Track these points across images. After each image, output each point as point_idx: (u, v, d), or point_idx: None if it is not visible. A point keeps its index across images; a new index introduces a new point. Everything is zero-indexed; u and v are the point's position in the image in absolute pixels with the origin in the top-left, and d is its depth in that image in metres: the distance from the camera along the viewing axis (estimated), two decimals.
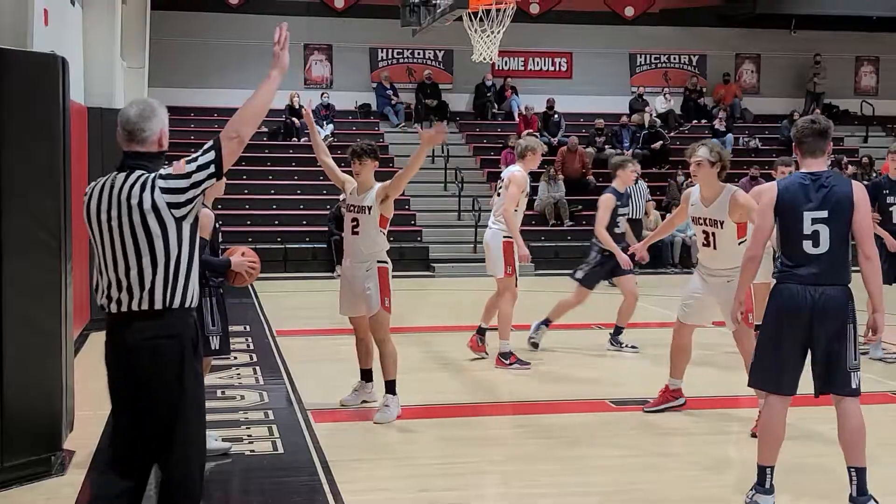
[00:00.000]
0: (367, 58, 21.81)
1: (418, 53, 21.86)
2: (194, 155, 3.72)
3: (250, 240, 16.82)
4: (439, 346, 9.97)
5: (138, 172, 3.72)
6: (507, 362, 8.77)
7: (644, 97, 22.02)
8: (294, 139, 20.17)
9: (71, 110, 6.11)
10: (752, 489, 5.16)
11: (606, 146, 20.50)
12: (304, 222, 17.78)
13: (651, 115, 21.45)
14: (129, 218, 3.67)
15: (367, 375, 7.40)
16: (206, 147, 3.73)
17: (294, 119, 20.12)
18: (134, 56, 14.35)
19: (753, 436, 6.22)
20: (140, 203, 3.65)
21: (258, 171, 18.83)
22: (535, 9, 22.03)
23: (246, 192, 18.53)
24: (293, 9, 21.05)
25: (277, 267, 16.51)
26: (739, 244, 6.61)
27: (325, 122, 20.18)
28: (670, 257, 17.85)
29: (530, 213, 17.73)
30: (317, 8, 21.55)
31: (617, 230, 9.68)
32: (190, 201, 3.69)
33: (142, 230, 3.66)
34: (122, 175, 3.74)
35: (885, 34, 22.95)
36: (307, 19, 21.23)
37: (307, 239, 17.22)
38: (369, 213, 6.99)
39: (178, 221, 3.69)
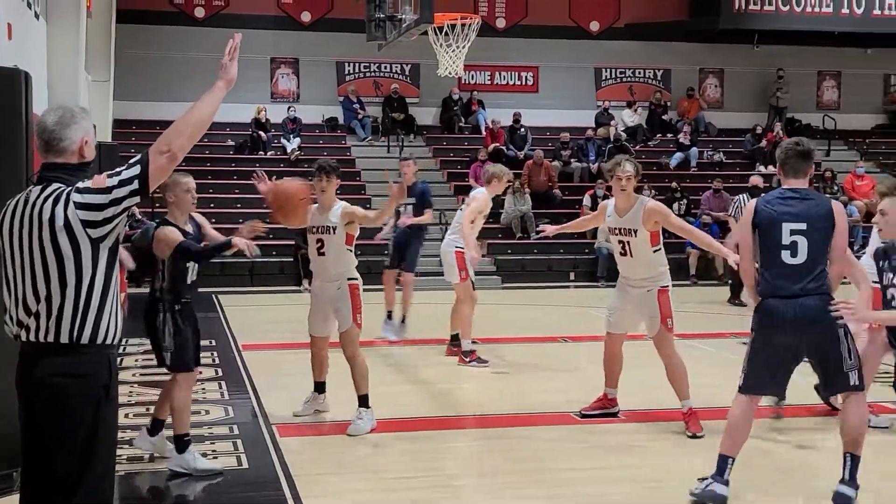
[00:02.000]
0: (333, 71, 21.83)
1: (385, 67, 21.91)
2: (118, 168, 3.34)
3: None
4: (407, 359, 9.97)
5: (55, 185, 3.33)
6: (468, 360, 9.39)
7: (609, 111, 22.19)
8: (261, 152, 20.12)
9: (35, 124, 6.08)
10: (708, 477, 5.27)
11: (572, 160, 20.63)
12: (271, 236, 17.66)
13: (616, 128, 21.62)
14: (39, 235, 3.28)
15: (320, 388, 7.46)
16: (131, 161, 3.35)
17: (261, 133, 20.09)
18: (99, 69, 14.29)
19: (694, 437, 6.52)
20: (52, 219, 3.25)
21: (224, 184, 18.76)
22: (501, 23, 22.18)
23: (212, 205, 18.40)
24: (259, 22, 21.04)
25: (244, 281, 16.46)
26: (654, 252, 6.98)
27: (291, 136, 20.17)
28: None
29: (497, 226, 17.86)
30: (283, 22, 21.55)
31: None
32: (108, 220, 3.28)
33: (51, 249, 3.26)
34: (38, 189, 3.36)
35: (846, 49, 23.28)
36: (274, 33, 21.24)
37: (273, 253, 17.14)
38: (334, 232, 7.02)
39: (95, 243, 3.29)
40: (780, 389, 5.71)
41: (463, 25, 10.41)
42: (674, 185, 19.54)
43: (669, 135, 22.25)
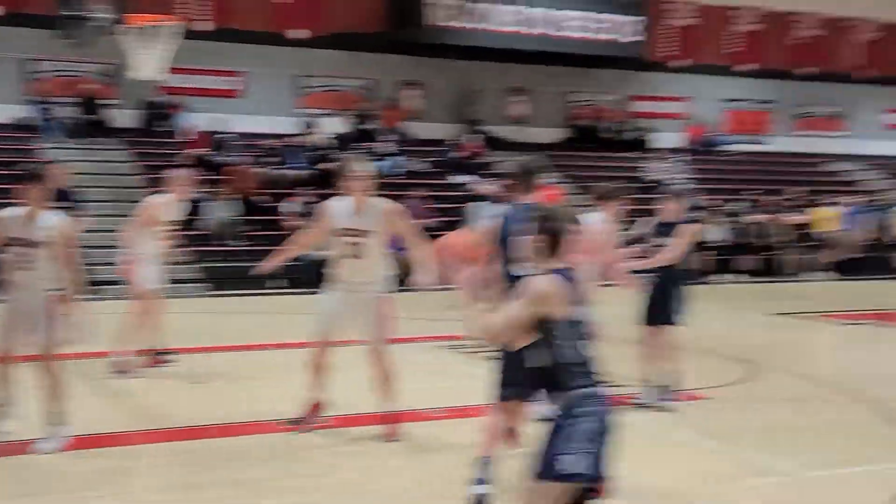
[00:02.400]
0: (21, 69, 20.47)
1: (81, 67, 20.82)
2: None
3: None
4: (97, 371, 9.59)
5: None
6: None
7: (314, 119, 22.37)
8: None
9: None
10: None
11: (277, 166, 20.62)
12: None
13: (320, 136, 21.84)
14: None
15: None
16: None
17: None
18: None
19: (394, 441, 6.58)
20: None
21: None
22: (205, 26, 21.76)
23: None
24: None
25: None
26: (382, 256, 7.13)
27: None
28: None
29: (207, 232, 17.51)
30: None
31: None
32: None
33: None
34: None
35: (533, 66, 24.82)
36: None
37: None
38: (40, 247, 6.66)
39: None
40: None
41: (160, 27, 10.16)
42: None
43: (372, 143, 22.73)
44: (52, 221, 6.75)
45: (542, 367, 4.00)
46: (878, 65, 29.26)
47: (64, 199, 10.52)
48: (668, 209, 8.72)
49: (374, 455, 6.82)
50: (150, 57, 10.26)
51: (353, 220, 7.00)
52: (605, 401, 4.02)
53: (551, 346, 3.97)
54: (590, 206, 8.07)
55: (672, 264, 8.49)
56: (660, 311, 8.50)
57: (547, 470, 3.87)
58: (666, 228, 8.62)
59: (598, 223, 7.64)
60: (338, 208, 7.08)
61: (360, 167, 7.11)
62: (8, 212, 6.80)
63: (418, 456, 6.86)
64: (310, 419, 7.37)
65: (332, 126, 22.58)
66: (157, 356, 9.71)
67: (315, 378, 7.33)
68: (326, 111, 22.89)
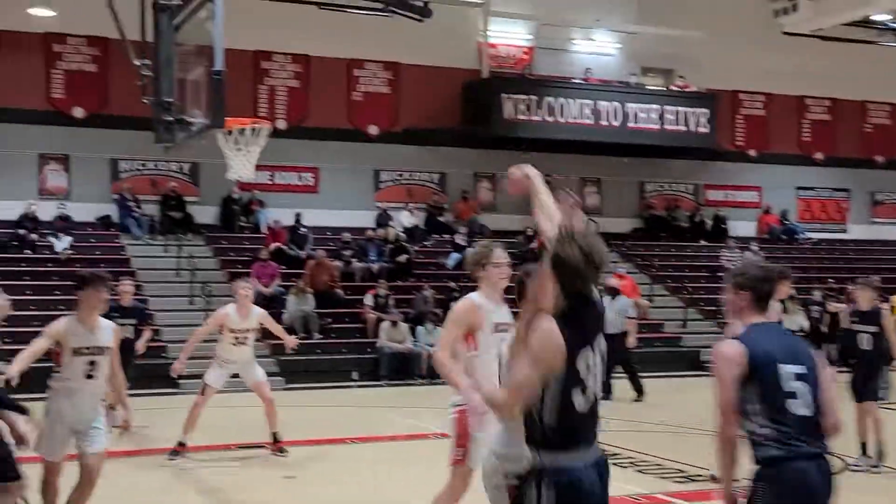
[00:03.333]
0: (107, 168, 21.21)
1: (163, 165, 21.51)
2: None
3: None
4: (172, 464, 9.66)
5: None
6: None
7: (388, 212, 22.72)
8: (28, 251, 19.17)
9: None
10: None
11: (353, 259, 20.90)
12: None
13: (396, 229, 22.13)
14: None
15: None
16: None
17: (28, 230, 19.19)
18: None
19: None
20: None
21: None
22: (281, 124, 22.34)
23: None
24: (27, 118, 20.29)
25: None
26: None
27: (61, 235, 19.38)
28: (417, 368, 18.18)
29: (284, 325, 17.66)
30: (53, 117, 20.80)
31: None
32: None
33: None
34: None
35: (605, 157, 24.98)
36: (42, 128, 20.49)
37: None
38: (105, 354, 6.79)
39: None
40: None
41: (253, 130, 10.53)
42: (452, 284, 20.13)
43: (446, 235, 22.97)
44: (109, 328, 6.84)
45: None
46: None
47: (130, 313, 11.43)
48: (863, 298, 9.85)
49: None
50: (243, 159, 10.59)
51: (501, 313, 5.96)
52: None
53: None
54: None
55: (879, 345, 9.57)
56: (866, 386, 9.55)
57: None
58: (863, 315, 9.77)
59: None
60: (486, 305, 5.95)
61: (503, 255, 6.12)
62: (66, 322, 6.72)
63: None
64: None
65: (407, 219, 22.90)
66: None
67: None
68: (401, 204, 23.23)
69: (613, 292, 15.80)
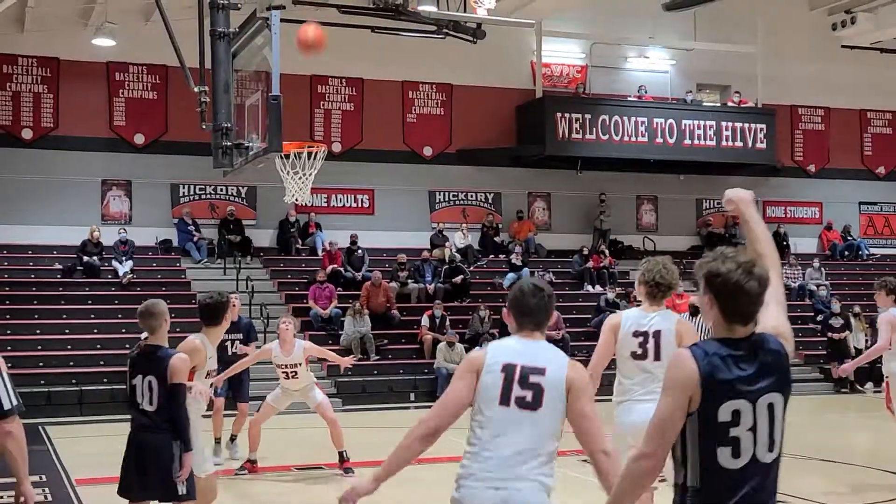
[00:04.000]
0: (167, 193, 21.57)
1: (221, 189, 21.83)
2: None
3: (42, 382, 16.08)
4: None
5: None
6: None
7: (444, 233, 22.77)
8: (91, 276, 19.52)
9: None
10: None
11: (409, 280, 20.95)
12: (102, 363, 17.10)
13: (451, 249, 22.15)
14: None
15: None
16: None
17: (90, 255, 19.55)
18: None
19: None
20: None
21: (50, 310, 18.14)
22: (337, 147, 22.57)
23: (38, 332, 17.74)
24: (90, 145, 20.76)
25: (73, 410, 15.76)
26: None
27: (123, 259, 19.72)
28: None
29: (338, 347, 17.79)
30: (115, 144, 21.25)
31: None
32: None
33: None
34: None
35: (660, 175, 24.82)
36: (105, 154, 20.94)
37: (105, 380, 16.51)
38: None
39: None
40: None
41: (309, 154, 10.66)
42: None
43: (501, 255, 22.94)
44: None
45: None
46: None
47: (242, 330, 11.43)
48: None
49: None
50: (299, 182, 10.72)
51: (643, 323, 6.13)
52: None
53: None
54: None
55: None
56: None
57: None
58: None
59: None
60: (628, 316, 6.23)
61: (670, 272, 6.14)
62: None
63: None
64: None
65: (462, 239, 22.91)
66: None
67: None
68: (456, 225, 23.26)
69: (695, 310, 15.68)
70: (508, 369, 3.92)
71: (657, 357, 5.95)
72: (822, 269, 23.99)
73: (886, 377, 9.97)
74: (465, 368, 4.05)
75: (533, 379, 3.89)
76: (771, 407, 3.18)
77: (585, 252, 23.11)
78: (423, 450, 4.06)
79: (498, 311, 19.80)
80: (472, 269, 22.02)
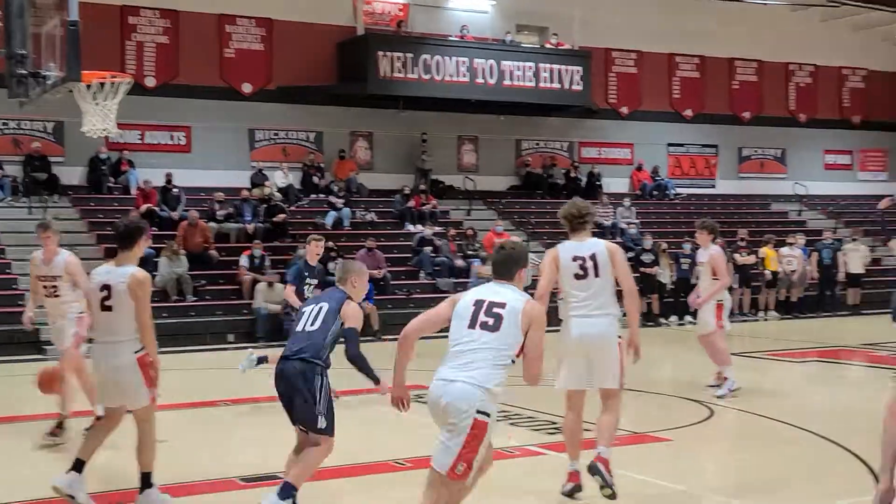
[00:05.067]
0: None
1: (25, 124, 20.65)
2: None
3: None
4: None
5: None
6: None
7: (264, 171, 22.36)
8: None
9: None
10: None
11: (228, 220, 20.52)
12: None
13: (272, 189, 21.80)
14: None
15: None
16: None
17: None
18: None
19: None
20: None
21: None
22: (150, 81, 21.72)
23: None
24: None
25: None
26: None
27: None
28: None
29: (153, 289, 17.24)
30: None
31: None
32: None
33: None
34: None
35: (481, 116, 25.11)
36: None
37: None
38: None
39: None
40: None
41: (112, 84, 10.17)
42: (330, 244, 19.97)
43: (323, 195, 22.76)
44: None
45: None
46: (816, 108, 30.03)
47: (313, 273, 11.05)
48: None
49: None
50: (102, 114, 10.21)
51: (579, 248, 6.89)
52: None
53: None
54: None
55: None
56: None
57: None
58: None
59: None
60: (565, 247, 6.93)
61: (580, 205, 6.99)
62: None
63: None
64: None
65: (282, 179, 22.56)
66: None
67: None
68: (277, 164, 22.87)
69: None
70: (479, 303, 5.14)
71: (597, 275, 6.77)
72: (633, 208, 24.95)
73: (720, 300, 11.33)
74: (448, 300, 5.33)
75: (495, 310, 5.08)
76: None
77: (407, 192, 23.20)
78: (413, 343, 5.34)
79: None
80: (292, 208, 21.76)
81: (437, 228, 22.02)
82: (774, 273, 22.37)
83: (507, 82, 24.14)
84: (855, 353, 16.30)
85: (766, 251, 22.64)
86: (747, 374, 13.79)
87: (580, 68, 25.01)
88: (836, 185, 30.23)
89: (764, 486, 7.28)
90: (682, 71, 28.37)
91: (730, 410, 10.46)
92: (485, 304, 5.11)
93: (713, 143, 28.84)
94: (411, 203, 22.84)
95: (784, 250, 22.72)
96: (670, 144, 28.25)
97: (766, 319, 22.01)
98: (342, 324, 6.16)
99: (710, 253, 11.22)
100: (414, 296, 19.75)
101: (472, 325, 5.07)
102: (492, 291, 5.21)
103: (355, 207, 22.56)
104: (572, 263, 6.80)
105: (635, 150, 27.60)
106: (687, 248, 20.83)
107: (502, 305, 5.08)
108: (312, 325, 6.15)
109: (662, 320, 20.92)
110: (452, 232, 21.75)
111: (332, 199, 22.24)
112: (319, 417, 6.00)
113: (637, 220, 24.51)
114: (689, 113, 28.38)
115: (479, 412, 4.86)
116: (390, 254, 20.75)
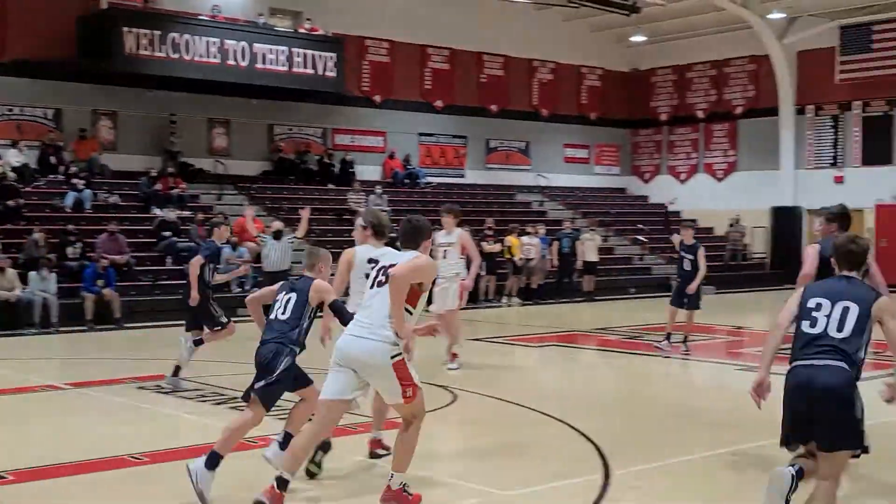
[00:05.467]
0: None
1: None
2: None
3: None
4: None
5: None
6: None
7: None
8: None
9: None
10: None
11: None
12: None
13: (5, 168, 20.44)
14: None
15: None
16: None
17: None
18: None
19: None
20: None
21: None
22: None
23: None
24: None
25: None
26: None
27: None
28: (29, 317, 17.05)
29: None
30: None
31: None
32: None
33: None
34: None
35: (233, 98, 24.61)
36: None
37: None
38: None
39: None
40: None
41: None
42: (69, 227, 19.02)
43: (62, 175, 21.56)
44: None
45: None
46: (557, 104, 31.58)
47: None
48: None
49: None
50: None
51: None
52: None
53: None
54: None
55: None
56: None
57: None
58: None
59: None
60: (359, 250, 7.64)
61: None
62: None
63: None
64: None
65: (15, 158, 21.17)
66: None
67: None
68: (9, 142, 21.44)
69: (279, 235, 17.34)
70: (377, 267, 6.34)
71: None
72: (385, 195, 25.30)
73: (463, 279, 12.41)
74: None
75: (389, 270, 6.14)
76: None
77: (154, 174, 22.41)
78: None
79: (57, 234, 18.71)
80: (28, 189, 20.50)
81: (185, 213, 21.41)
82: (517, 261, 23.38)
83: (259, 65, 23.76)
84: (589, 336, 17.33)
85: (511, 240, 23.62)
86: (492, 358, 14.39)
87: (334, 55, 25.02)
88: (575, 178, 31.99)
89: (496, 469, 7.61)
90: (434, 62, 29.00)
91: (472, 395, 10.85)
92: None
93: (463, 134, 29.70)
94: (158, 186, 22.09)
95: (524, 239, 23.78)
96: (422, 134, 28.85)
97: (509, 305, 22.97)
98: (315, 308, 6.83)
99: (458, 233, 11.87)
100: (160, 282, 19.16)
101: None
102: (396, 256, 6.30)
103: (97, 189, 21.54)
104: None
105: (388, 139, 27.98)
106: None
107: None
108: (284, 314, 6.78)
109: None
110: (201, 216, 21.22)
111: (74, 180, 21.11)
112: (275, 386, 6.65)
113: (389, 208, 24.86)
114: (439, 104, 29.07)
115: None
116: (135, 238, 20.01)
